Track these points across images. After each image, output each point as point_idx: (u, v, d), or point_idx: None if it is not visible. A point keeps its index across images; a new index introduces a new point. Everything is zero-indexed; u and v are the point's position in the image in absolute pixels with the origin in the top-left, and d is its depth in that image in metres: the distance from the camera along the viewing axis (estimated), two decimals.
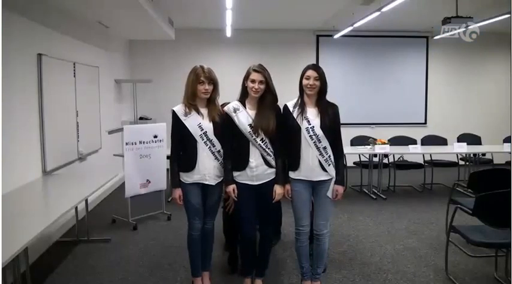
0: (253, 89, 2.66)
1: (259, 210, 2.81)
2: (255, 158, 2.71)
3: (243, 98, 2.76)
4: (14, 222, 2.44)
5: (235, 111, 2.73)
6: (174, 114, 2.74)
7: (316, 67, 2.73)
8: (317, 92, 2.71)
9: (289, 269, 3.35)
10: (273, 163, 2.74)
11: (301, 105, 2.73)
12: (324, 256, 2.91)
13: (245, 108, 2.74)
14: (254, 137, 2.68)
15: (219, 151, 2.76)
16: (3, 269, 2.01)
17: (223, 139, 2.77)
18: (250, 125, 2.68)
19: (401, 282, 3.14)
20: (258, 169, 2.72)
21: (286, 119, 2.75)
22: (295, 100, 2.79)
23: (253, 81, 2.66)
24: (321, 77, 2.68)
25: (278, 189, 2.75)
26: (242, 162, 2.72)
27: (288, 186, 2.78)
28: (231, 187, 2.74)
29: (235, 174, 2.75)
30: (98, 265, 3.48)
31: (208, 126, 2.73)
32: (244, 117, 2.71)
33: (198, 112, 2.73)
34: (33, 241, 2.20)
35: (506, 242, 2.86)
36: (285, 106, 2.78)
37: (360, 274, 3.27)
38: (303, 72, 2.73)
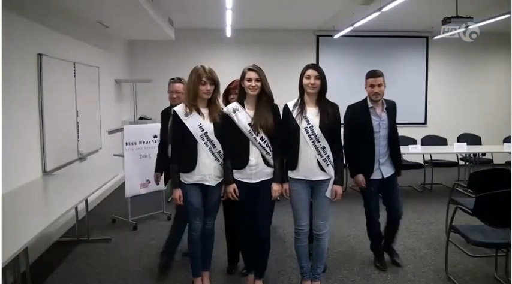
0: (250, 87, 2.68)
1: (257, 209, 2.81)
2: (255, 157, 2.72)
3: (242, 99, 2.77)
4: (14, 222, 2.44)
5: (234, 111, 2.74)
6: (174, 114, 2.75)
7: (316, 66, 2.74)
8: (317, 91, 2.72)
9: (289, 269, 3.35)
10: (272, 162, 2.75)
11: (301, 105, 2.74)
12: (323, 256, 2.91)
13: (244, 108, 2.75)
14: (254, 136, 2.69)
15: (219, 152, 2.76)
16: (3, 269, 2.01)
17: (224, 139, 2.77)
18: (249, 124, 2.70)
19: (402, 282, 3.14)
20: (257, 167, 2.73)
21: (285, 119, 2.76)
22: (295, 100, 2.79)
23: (249, 80, 2.68)
24: (321, 76, 2.70)
25: (275, 186, 2.76)
26: (242, 161, 2.73)
27: (286, 185, 2.79)
28: (232, 187, 2.75)
29: (234, 172, 2.76)
30: (98, 265, 3.48)
31: (209, 127, 2.73)
32: (243, 117, 2.72)
33: (199, 112, 2.73)
34: (33, 241, 2.20)
35: (506, 242, 2.86)
36: (285, 106, 2.79)
37: (360, 274, 3.27)
38: (302, 71, 2.74)
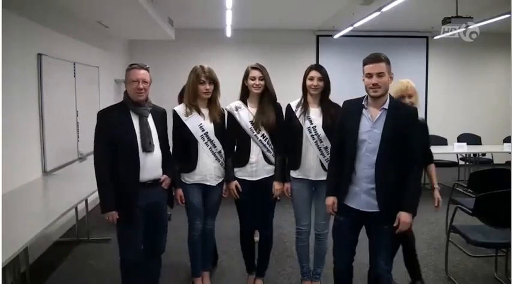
0: (254, 86, 2.70)
1: (258, 207, 2.82)
2: (255, 154, 2.75)
3: (244, 98, 2.79)
4: (14, 222, 2.44)
5: (236, 109, 2.77)
6: (175, 114, 2.75)
7: (319, 67, 2.74)
8: (320, 92, 2.72)
9: (289, 269, 3.36)
10: (273, 159, 2.77)
11: (304, 105, 2.75)
12: (324, 256, 2.92)
13: (246, 106, 2.77)
14: (255, 133, 2.71)
15: (219, 152, 2.77)
16: (3, 269, 2.01)
17: (225, 138, 2.78)
18: (251, 122, 2.71)
19: (402, 282, 3.14)
20: (258, 164, 2.75)
21: (288, 118, 2.77)
22: (298, 100, 2.80)
23: (253, 78, 2.70)
24: (324, 77, 2.70)
25: (276, 185, 2.77)
26: (243, 159, 2.75)
27: (287, 185, 2.79)
28: (233, 184, 2.76)
29: (235, 170, 2.78)
30: (98, 265, 3.48)
31: (209, 127, 2.73)
32: (245, 114, 2.74)
33: (199, 112, 2.74)
34: (33, 241, 2.20)
35: (506, 242, 2.86)
36: (288, 106, 2.80)
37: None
38: (306, 72, 2.74)
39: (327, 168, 2.69)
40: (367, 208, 2.25)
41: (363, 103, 2.27)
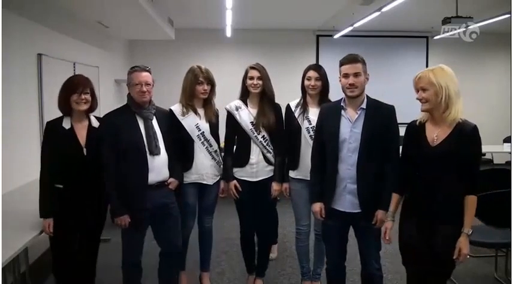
0: (252, 85, 2.70)
1: (258, 208, 2.83)
2: (255, 155, 2.75)
3: (244, 98, 2.79)
4: (14, 222, 2.44)
5: (237, 109, 2.77)
6: (171, 113, 2.75)
7: (317, 67, 2.74)
8: (319, 92, 2.72)
9: (289, 269, 3.36)
10: (273, 160, 2.77)
11: (303, 105, 2.74)
12: (324, 256, 2.91)
13: (247, 106, 2.77)
14: (255, 134, 2.71)
15: (215, 151, 2.79)
16: (3, 269, 2.01)
17: (225, 136, 2.80)
18: (252, 122, 2.71)
19: (402, 282, 3.14)
20: (258, 165, 2.75)
21: (287, 118, 2.77)
22: (297, 100, 2.80)
23: (251, 78, 2.70)
24: (322, 77, 2.69)
25: (275, 186, 2.77)
26: (243, 159, 2.75)
27: (286, 185, 2.79)
28: (232, 184, 2.76)
29: (235, 170, 2.78)
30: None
31: (205, 126, 2.74)
32: (245, 115, 2.74)
33: (196, 112, 2.74)
34: (33, 241, 2.20)
35: (506, 242, 2.86)
36: (288, 106, 2.80)
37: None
38: (304, 72, 2.74)
39: None
40: (352, 209, 2.27)
41: (342, 104, 2.30)
